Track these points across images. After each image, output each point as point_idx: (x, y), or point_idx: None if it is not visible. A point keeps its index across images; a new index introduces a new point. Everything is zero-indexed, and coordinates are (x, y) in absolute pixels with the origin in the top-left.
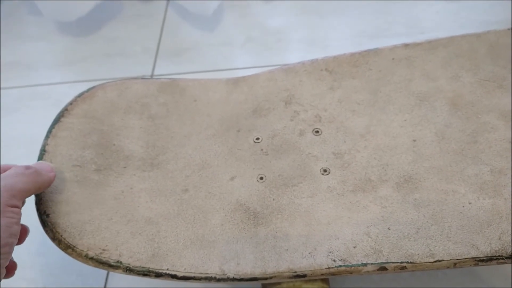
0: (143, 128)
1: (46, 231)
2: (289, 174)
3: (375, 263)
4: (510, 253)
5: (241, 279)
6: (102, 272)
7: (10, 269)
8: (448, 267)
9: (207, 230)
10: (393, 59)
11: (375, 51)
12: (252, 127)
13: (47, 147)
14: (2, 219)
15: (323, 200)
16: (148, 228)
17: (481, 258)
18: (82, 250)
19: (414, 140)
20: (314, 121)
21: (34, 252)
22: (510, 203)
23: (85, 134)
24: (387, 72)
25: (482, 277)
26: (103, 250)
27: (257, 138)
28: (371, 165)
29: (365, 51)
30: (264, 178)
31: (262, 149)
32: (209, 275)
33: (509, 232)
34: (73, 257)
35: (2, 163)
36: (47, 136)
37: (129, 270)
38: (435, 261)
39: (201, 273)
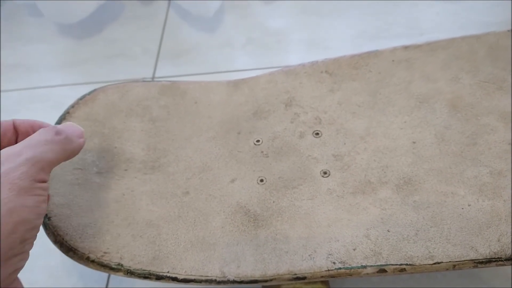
0: (144, 131)
1: (47, 234)
2: (289, 177)
3: (374, 265)
4: (509, 255)
5: (241, 282)
6: (104, 274)
7: None
8: (447, 269)
9: (207, 233)
10: (393, 61)
11: (375, 53)
12: (252, 129)
13: None
14: (31, 198)
15: (323, 202)
16: (149, 230)
17: (480, 260)
18: (84, 253)
19: (414, 142)
20: (314, 123)
21: (35, 254)
22: (510, 205)
23: (87, 137)
24: (387, 74)
25: (482, 278)
26: (104, 253)
27: (258, 140)
28: (371, 167)
29: (365, 53)
30: (264, 181)
31: (262, 151)
32: (210, 278)
33: (508, 234)
34: (74, 260)
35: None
36: None
37: (130, 273)
38: (434, 263)
39: (202, 276)
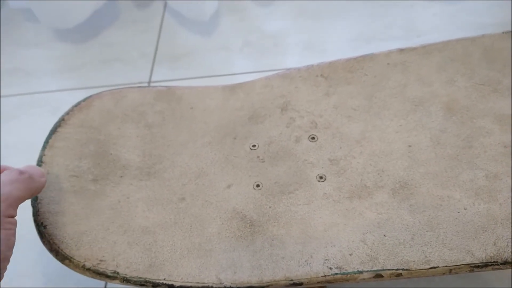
0: (139, 137)
1: (43, 242)
2: (285, 181)
3: (371, 271)
4: (505, 259)
5: None
6: (100, 281)
7: None
8: (444, 273)
9: (204, 239)
10: (388, 64)
11: (370, 57)
12: (248, 134)
13: (44, 158)
14: (2, 232)
15: (319, 207)
16: (145, 238)
17: (477, 264)
18: (79, 261)
19: (410, 146)
20: (310, 127)
21: (32, 261)
22: (505, 209)
23: (82, 144)
24: (382, 77)
25: (482, 279)
26: (100, 261)
27: (254, 145)
28: (367, 171)
29: (360, 56)
30: (260, 186)
31: (258, 156)
32: (206, 284)
33: (504, 237)
34: (70, 268)
35: None
36: (44, 147)
37: (126, 280)
38: (431, 268)
39: (198, 282)
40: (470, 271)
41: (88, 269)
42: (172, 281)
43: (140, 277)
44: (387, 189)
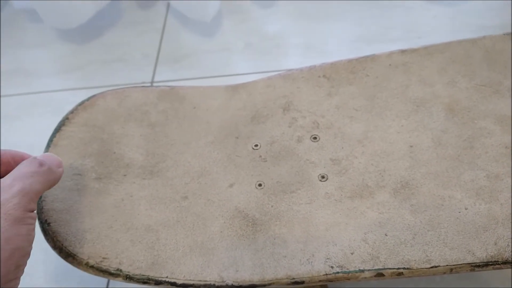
0: (143, 136)
1: (47, 240)
2: (287, 181)
3: (372, 270)
4: (506, 259)
5: (239, 286)
6: (103, 278)
7: None
8: (445, 272)
9: (206, 237)
10: (389, 65)
11: (372, 57)
12: (250, 134)
13: None
14: (23, 227)
15: (321, 207)
16: (147, 236)
17: (477, 264)
18: (83, 259)
19: (411, 146)
20: (312, 127)
21: (35, 259)
22: (506, 209)
23: (86, 142)
24: (384, 78)
25: (482, 279)
26: (103, 258)
27: (256, 145)
28: (368, 171)
29: (362, 57)
30: (262, 185)
31: (260, 156)
32: (208, 282)
33: (505, 237)
34: (73, 265)
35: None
36: (48, 145)
37: (129, 278)
38: (432, 267)
39: (200, 280)
40: (471, 270)
41: (92, 267)
42: (175, 278)
43: (143, 275)
44: (388, 189)
